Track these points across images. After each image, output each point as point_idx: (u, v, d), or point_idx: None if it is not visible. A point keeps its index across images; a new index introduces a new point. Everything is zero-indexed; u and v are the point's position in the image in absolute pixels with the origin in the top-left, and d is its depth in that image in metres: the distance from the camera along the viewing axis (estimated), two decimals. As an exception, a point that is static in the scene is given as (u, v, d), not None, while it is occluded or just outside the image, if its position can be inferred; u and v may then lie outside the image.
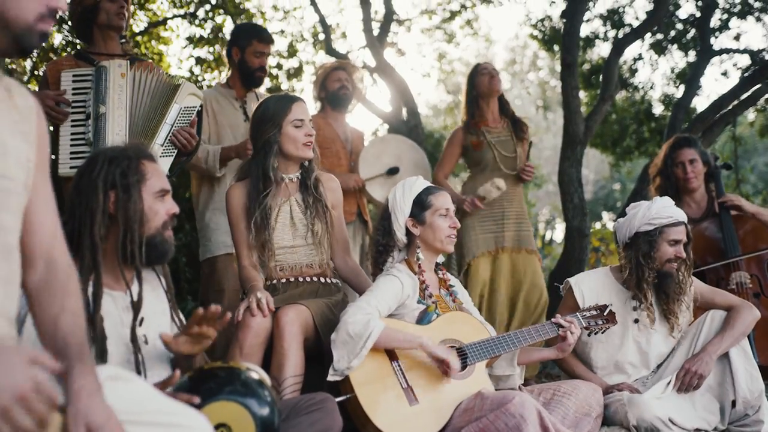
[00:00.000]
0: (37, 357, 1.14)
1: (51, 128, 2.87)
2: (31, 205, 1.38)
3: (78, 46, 5.37)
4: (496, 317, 3.94)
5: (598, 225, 15.80)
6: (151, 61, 3.71)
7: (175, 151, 3.01)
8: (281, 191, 2.81)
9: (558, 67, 6.64)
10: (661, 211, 2.89)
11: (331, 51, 7.01)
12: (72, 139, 2.91)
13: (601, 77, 6.53)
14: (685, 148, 3.85)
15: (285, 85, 7.59)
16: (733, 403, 2.80)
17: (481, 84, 4.14)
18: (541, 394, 2.64)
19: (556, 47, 7.63)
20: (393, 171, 4.25)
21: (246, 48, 3.75)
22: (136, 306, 1.92)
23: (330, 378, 2.39)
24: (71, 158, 2.89)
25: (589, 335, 2.85)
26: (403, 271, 2.66)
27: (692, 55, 7.33)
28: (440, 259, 2.86)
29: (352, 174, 4.16)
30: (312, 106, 4.53)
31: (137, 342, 1.90)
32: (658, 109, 7.91)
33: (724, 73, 7.58)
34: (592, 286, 3.02)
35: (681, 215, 2.92)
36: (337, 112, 4.34)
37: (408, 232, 2.73)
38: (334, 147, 4.24)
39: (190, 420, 1.40)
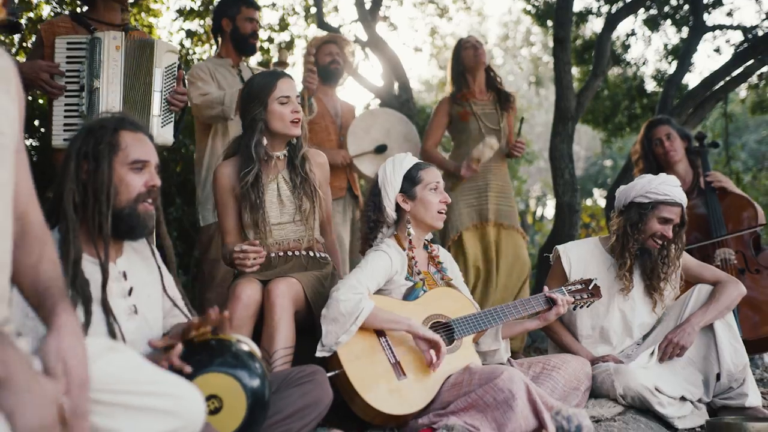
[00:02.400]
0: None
1: (33, 98, 2.84)
2: None
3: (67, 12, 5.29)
4: (492, 289, 3.98)
5: (588, 201, 15.86)
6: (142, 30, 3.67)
7: (172, 115, 3.01)
8: (269, 169, 2.81)
9: (551, 43, 6.60)
10: (660, 186, 2.89)
11: (322, 25, 6.93)
12: (66, 111, 2.89)
13: (593, 53, 6.50)
14: (660, 125, 3.99)
15: (276, 59, 7.51)
16: (718, 376, 2.85)
17: (466, 57, 4.15)
18: (530, 368, 2.67)
19: (549, 22, 7.57)
20: (381, 149, 4.21)
21: (236, 16, 3.76)
22: (103, 276, 1.90)
23: (318, 354, 2.41)
24: (65, 130, 2.87)
25: (574, 309, 2.88)
26: (392, 247, 2.67)
27: (685, 31, 7.30)
28: (429, 236, 2.87)
29: (340, 150, 4.14)
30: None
31: (110, 312, 1.88)
32: (650, 86, 7.89)
33: (717, 50, 7.55)
34: (579, 254, 3.05)
35: (680, 197, 2.91)
36: (327, 86, 4.32)
37: (398, 208, 2.74)
38: (324, 122, 4.22)
39: (182, 390, 1.42)
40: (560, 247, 3.10)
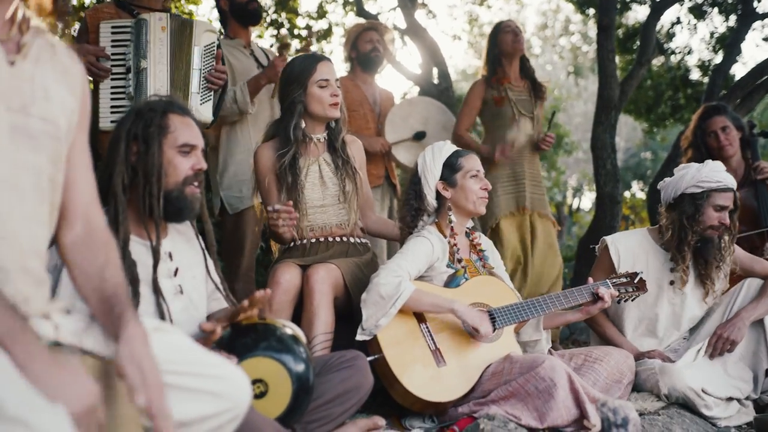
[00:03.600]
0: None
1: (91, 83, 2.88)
2: (70, 163, 1.39)
3: None
4: (528, 278, 3.94)
5: (626, 194, 15.59)
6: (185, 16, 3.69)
7: (211, 94, 3.02)
8: (310, 151, 2.82)
9: (591, 32, 6.47)
10: (711, 174, 2.82)
11: (361, 12, 6.91)
12: (112, 93, 2.92)
13: (637, 42, 6.35)
14: (715, 116, 3.78)
15: (314, 47, 7.52)
16: (767, 372, 2.78)
17: (504, 42, 4.09)
18: (572, 360, 2.63)
19: (590, 10, 7.43)
20: (419, 136, 4.19)
21: None
22: (154, 257, 1.92)
23: (358, 337, 2.41)
24: (111, 112, 2.90)
25: (618, 302, 2.83)
26: (433, 234, 2.66)
27: (733, 20, 7.09)
28: (470, 224, 2.85)
29: (379, 138, 4.12)
30: (342, 67, 4.47)
31: (159, 291, 1.90)
32: (695, 75, 7.69)
33: (766, 39, 7.30)
34: (628, 246, 2.98)
35: (731, 181, 2.85)
36: (366, 74, 4.29)
37: (438, 196, 2.72)
38: (362, 110, 4.20)
39: (229, 373, 1.42)
40: (608, 238, 3.04)
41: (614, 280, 2.76)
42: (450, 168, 2.71)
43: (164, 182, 1.92)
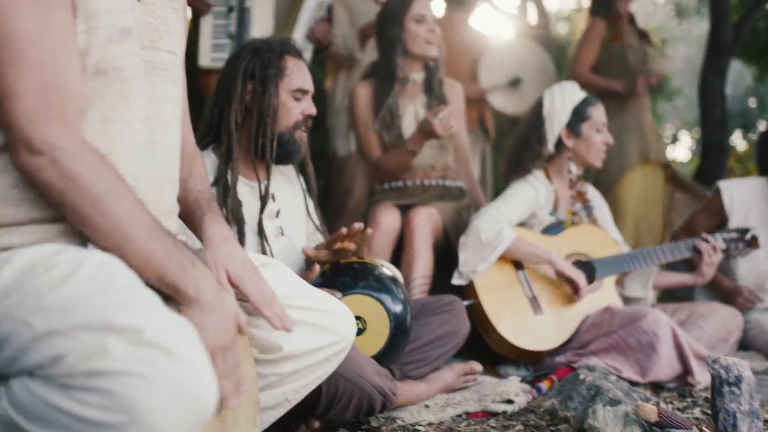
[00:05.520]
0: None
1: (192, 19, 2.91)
2: None
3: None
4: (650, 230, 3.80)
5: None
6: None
7: (311, 45, 3.00)
8: (407, 92, 2.76)
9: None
10: None
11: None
12: (214, 31, 2.93)
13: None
14: None
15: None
16: None
17: None
18: (674, 315, 2.53)
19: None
20: (515, 83, 4.06)
21: None
22: (263, 199, 1.93)
23: (454, 281, 2.39)
24: (212, 50, 2.92)
25: (727, 259, 2.68)
26: (539, 180, 2.58)
27: None
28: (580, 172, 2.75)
29: (473, 85, 4.01)
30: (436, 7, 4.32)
31: (264, 232, 1.92)
32: (816, 15, 7.05)
33: None
34: (744, 193, 2.83)
35: None
36: (461, 13, 4.16)
37: (557, 142, 2.61)
38: (456, 52, 4.08)
39: (335, 307, 1.43)
40: (723, 183, 2.90)
41: (725, 235, 2.62)
42: (578, 116, 2.60)
43: (277, 125, 1.92)
